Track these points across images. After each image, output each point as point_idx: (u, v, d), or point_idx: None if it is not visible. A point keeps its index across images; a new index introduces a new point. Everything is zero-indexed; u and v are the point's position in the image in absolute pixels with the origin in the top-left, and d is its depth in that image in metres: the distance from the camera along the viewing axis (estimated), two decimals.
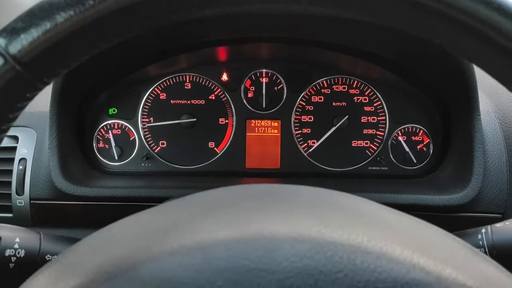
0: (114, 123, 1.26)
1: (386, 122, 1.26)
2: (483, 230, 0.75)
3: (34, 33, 0.42)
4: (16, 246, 0.66)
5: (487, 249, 0.73)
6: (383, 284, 0.36)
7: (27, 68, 0.43)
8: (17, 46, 0.42)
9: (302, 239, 0.39)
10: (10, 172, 1.10)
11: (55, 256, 0.74)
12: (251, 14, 1.04)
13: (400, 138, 1.25)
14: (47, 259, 0.74)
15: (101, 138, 1.26)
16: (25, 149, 1.12)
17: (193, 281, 0.37)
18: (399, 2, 0.42)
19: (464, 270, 0.39)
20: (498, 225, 0.75)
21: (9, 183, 1.10)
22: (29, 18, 0.42)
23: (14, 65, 0.42)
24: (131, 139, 1.26)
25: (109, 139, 1.25)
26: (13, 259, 0.64)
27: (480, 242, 0.74)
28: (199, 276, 0.37)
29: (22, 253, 0.68)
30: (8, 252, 0.64)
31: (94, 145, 1.25)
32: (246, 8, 1.01)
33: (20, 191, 1.09)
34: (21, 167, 1.10)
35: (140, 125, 1.26)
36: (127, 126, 1.26)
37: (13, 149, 1.12)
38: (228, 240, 0.40)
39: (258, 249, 0.38)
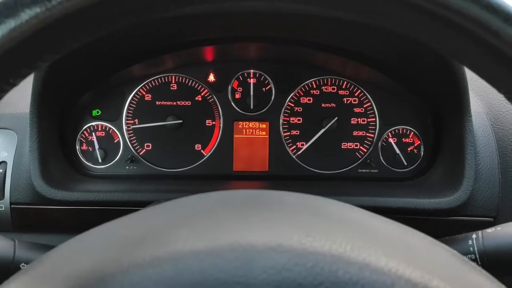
0: (97, 125, 1.23)
1: (376, 124, 1.24)
2: (474, 236, 0.73)
3: None
4: None
5: (477, 255, 0.71)
6: None
7: None
8: None
9: (281, 250, 0.37)
10: None
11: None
12: (237, 12, 1.02)
13: (390, 140, 1.23)
14: (22, 267, 0.71)
15: (84, 141, 1.22)
16: (5, 152, 1.08)
17: None
18: (388, 1, 0.40)
19: (452, 281, 0.37)
20: (489, 230, 0.73)
21: None
22: None
23: None
24: (115, 141, 1.23)
25: (92, 142, 1.22)
26: None
27: (471, 248, 0.72)
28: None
29: None
30: None
31: (77, 147, 1.22)
32: (231, 7, 0.99)
33: (0, 195, 1.06)
34: (1, 170, 1.07)
35: (124, 127, 1.23)
36: (111, 128, 1.23)
37: None
38: (202, 251, 0.37)
39: (234, 261, 0.36)
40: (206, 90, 1.24)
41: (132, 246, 0.40)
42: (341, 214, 0.45)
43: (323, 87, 1.24)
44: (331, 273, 0.35)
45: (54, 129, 1.14)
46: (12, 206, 1.06)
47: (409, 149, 1.23)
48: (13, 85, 0.44)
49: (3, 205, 1.06)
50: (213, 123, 1.25)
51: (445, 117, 1.12)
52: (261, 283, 0.34)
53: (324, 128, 1.23)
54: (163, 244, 0.39)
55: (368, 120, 1.24)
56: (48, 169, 1.07)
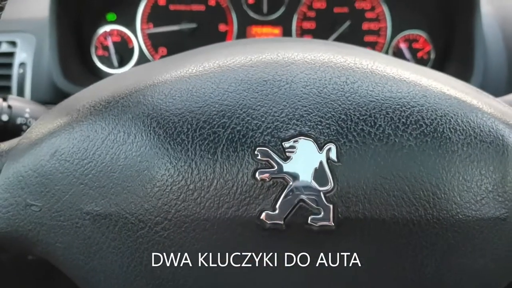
0: (113, 30, 1.24)
1: (387, 29, 1.25)
2: None
3: None
4: (27, 115, 0.66)
5: None
6: (393, 101, 0.38)
7: None
8: None
9: (315, 59, 0.40)
10: (9, 77, 1.10)
11: None
12: None
13: (401, 45, 1.25)
14: None
15: (99, 46, 1.24)
16: (24, 53, 1.11)
17: (212, 91, 0.38)
18: None
19: (477, 98, 0.41)
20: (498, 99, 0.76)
21: (9, 88, 1.10)
22: None
23: None
24: (130, 46, 1.25)
25: (107, 47, 1.24)
26: (24, 127, 0.65)
27: None
28: (216, 88, 0.38)
29: (32, 123, 0.69)
30: (19, 120, 0.64)
31: (93, 51, 1.24)
32: None
33: (20, 94, 1.09)
34: (21, 70, 1.10)
35: (139, 32, 1.25)
36: (126, 33, 1.25)
37: (11, 54, 1.11)
38: (244, 60, 0.40)
39: (273, 64, 0.39)
40: None
41: (173, 68, 0.43)
42: (370, 52, 0.48)
43: None
44: (362, 77, 0.39)
45: (72, 33, 1.16)
46: None
47: (419, 54, 1.24)
48: None
49: None
50: (227, 28, 1.26)
51: (455, 18, 1.13)
52: (299, 80, 0.38)
53: (336, 33, 1.24)
54: (204, 61, 0.42)
55: (380, 25, 1.25)
56: (68, 68, 1.10)
